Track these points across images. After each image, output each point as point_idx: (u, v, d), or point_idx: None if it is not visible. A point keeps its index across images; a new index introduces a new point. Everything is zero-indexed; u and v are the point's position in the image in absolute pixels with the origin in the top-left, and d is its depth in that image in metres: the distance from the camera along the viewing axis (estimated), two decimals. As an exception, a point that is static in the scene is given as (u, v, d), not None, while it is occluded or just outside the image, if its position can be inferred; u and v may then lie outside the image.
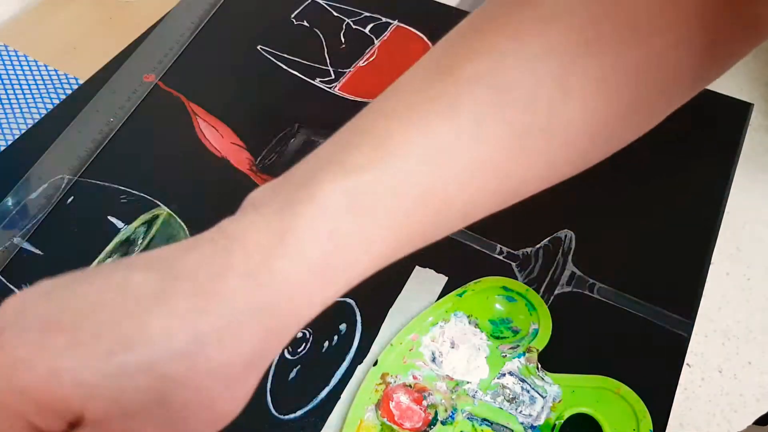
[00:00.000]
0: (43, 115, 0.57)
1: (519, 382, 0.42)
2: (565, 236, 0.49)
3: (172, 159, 0.55)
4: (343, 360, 0.44)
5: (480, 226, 0.50)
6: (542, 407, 0.41)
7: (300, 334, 0.45)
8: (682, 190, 0.52)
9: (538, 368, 0.42)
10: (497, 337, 0.44)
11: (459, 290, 0.45)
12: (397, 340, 0.43)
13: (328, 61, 0.62)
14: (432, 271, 0.47)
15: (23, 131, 0.56)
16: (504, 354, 0.42)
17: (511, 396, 0.41)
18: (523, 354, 0.42)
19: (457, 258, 0.48)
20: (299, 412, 0.41)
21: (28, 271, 0.48)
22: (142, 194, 0.52)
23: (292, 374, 0.43)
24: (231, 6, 0.67)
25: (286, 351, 0.44)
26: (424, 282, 0.47)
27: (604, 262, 0.48)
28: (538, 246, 0.49)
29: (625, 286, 0.46)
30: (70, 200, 0.52)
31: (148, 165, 0.54)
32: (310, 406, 0.42)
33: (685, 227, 0.50)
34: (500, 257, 0.48)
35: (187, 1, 0.68)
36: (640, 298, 0.46)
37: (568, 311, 0.45)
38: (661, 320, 0.45)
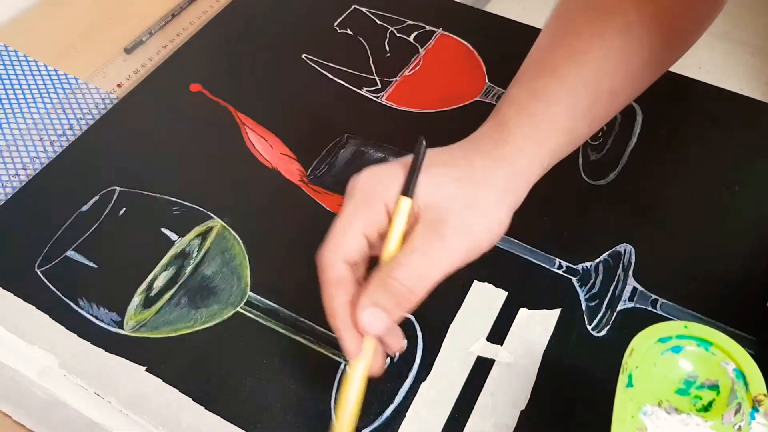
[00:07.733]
0: (89, 125, 0.57)
1: None
2: (625, 250, 0.48)
3: (222, 170, 0.54)
4: (407, 377, 0.43)
5: (538, 240, 0.49)
6: None
7: (361, 350, 0.44)
8: (744, 203, 0.51)
9: None
10: (706, 408, 0.35)
11: (623, 378, 0.36)
12: None
13: (373, 69, 0.61)
14: (491, 285, 0.47)
15: (70, 142, 0.56)
16: (736, 425, 0.33)
17: None
18: (756, 410, 0.34)
19: (516, 272, 0.48)
20: (365, 430, 0.41)
21: (82, 285, 0.47)
22: (194, 206, 0.51)
23: (356, 391, 0.42)
24: (273, 13, 0.67)
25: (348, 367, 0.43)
26: (484, 297, 0.46)
27: (665, 277, 0.47)
28: (597, 260, 0.48)
29: (688, 302, 0.46)
30: (122, 212, 0.51)
31: (199, 176, 0.54)
32: (376, 424, 0.41)
33: (749, 240, 0.49)
34: (560, 271, 0.48)
35: (229, 9, 0.67)
36: (704, 314, 0.45)
37: (632, 328, 0.45)
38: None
